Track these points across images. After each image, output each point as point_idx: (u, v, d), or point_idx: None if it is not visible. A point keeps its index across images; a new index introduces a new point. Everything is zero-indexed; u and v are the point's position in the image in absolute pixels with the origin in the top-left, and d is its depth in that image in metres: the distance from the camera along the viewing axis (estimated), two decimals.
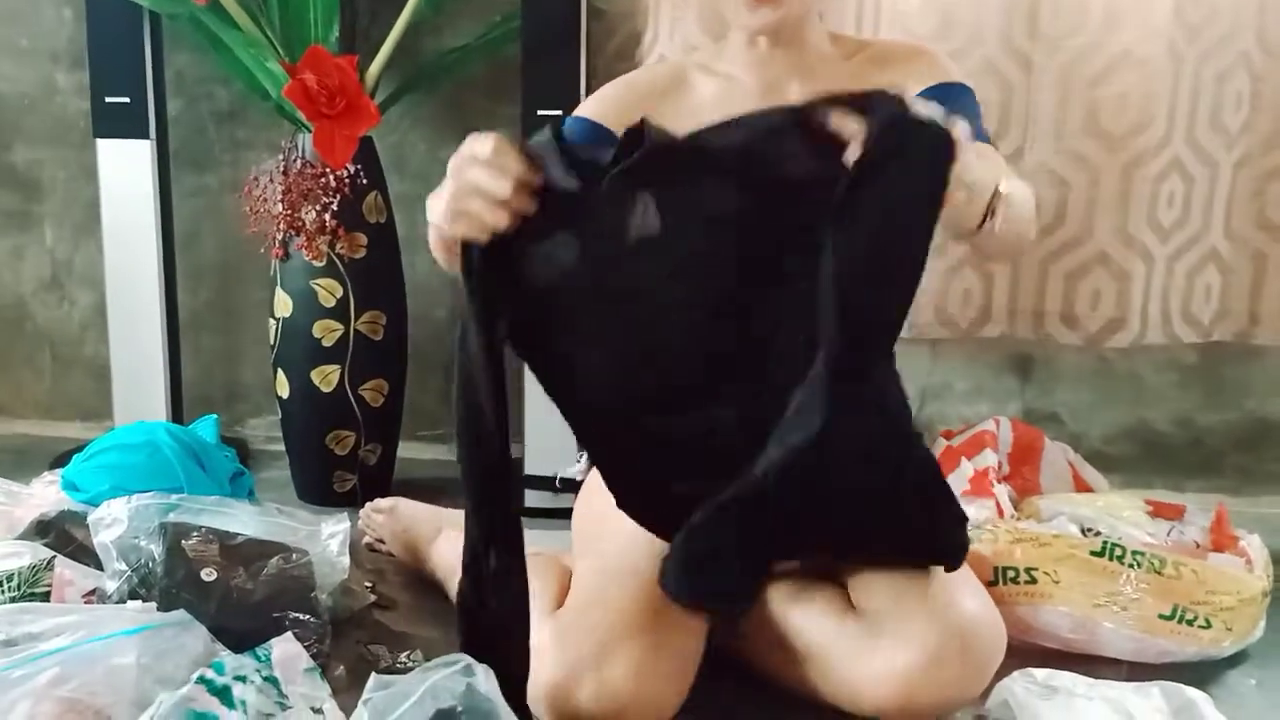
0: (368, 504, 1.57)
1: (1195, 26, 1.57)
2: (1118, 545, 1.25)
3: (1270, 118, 1.62)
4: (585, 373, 1.02)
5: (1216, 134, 1.61)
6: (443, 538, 1.43)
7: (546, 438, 1.77)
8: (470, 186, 0.91)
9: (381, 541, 1.55)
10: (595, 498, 1.20)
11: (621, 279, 0.97)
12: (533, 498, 1.79)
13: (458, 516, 1.47)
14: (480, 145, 0.92)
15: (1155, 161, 1.59)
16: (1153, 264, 1.63)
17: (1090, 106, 1.61)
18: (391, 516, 1.52)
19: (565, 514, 1.34)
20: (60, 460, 1.89)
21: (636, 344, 0.99)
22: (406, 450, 1.91)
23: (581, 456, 1.31)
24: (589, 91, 1.69)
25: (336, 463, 1.77)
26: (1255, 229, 1.65)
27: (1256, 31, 1.60)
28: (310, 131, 1.65)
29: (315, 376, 1.72)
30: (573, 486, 1.30)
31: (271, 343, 1.77)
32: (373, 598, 1.37)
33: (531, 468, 1.80)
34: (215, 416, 1.50)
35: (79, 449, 1.94)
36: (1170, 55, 1.56)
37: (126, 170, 1.86)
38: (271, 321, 1.77)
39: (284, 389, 1.77)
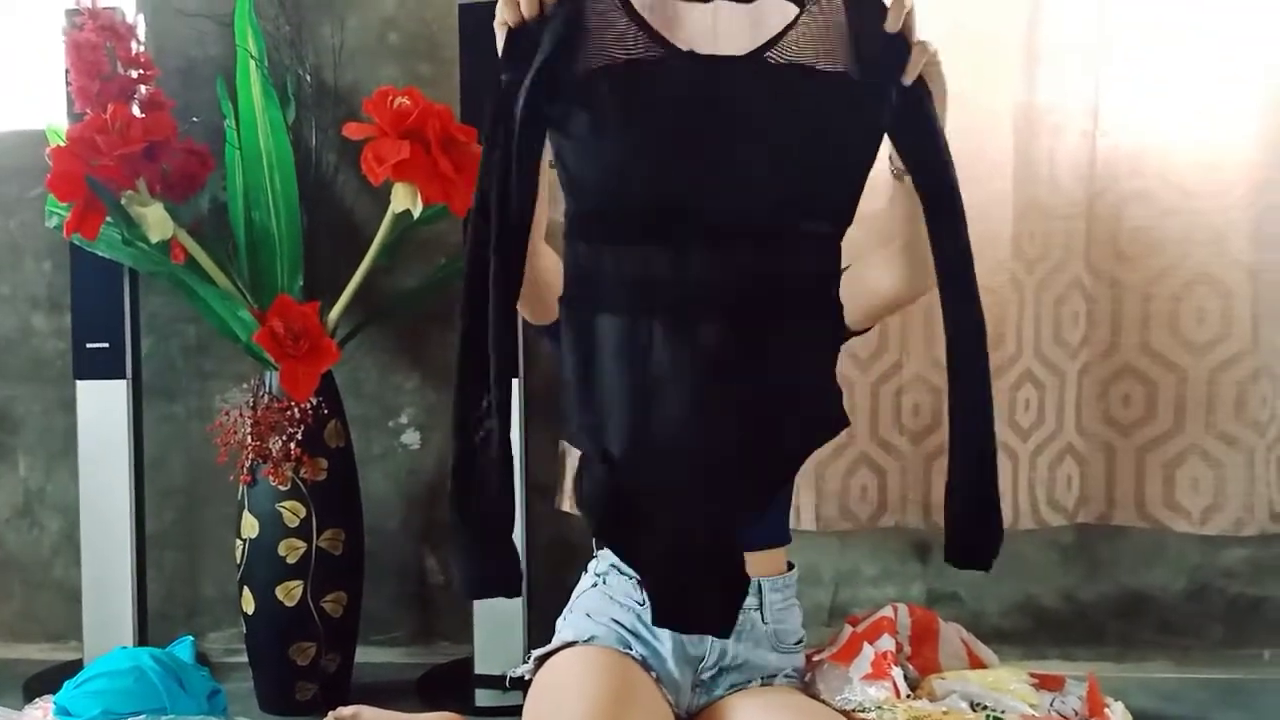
0: (331, 713, 1.67)
1: (1032, 260, 1.87)
2: (999, 718, 1.43)
3: (1105, 331, 1.91)
4: (595, 156, 1.10)
5: (1060, 348, 1.89)
6: None
7: (496, 639, 1.92)
8: None
9: None
10: (543, 697, 1.35)
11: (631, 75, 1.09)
12: (483, 697, 1.92)
13: None
14: None
15: (1010, 373, 1.86)
16: (1018, 460, 1.87)
17: None
18: None
19: (515, 711, 1.45)
20: (32, 683, 1.99)
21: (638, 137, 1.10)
22: (362, 655, 2.02)
23: (529, 657, 1.45)
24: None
25: (298, 673, 1.88)
26: (1103, 425, 1.92)
27: (1085, 260, 1.90)
28: (277, 369, 1.85)
29: (280, 592, 1.86)
30: (522, 686, 1.44)
31: (238, 562, 1.91)
32: None
33: (481, 667, 1.93)
34: (191, 638, 1.62)
35: (47, 671, 2.04)
36: (1013, 285, 1.86)
37: (103, 407, 2.03)
38: (238, 542, 1.91)
39: (249, 605, 1.90)
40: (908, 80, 1.11)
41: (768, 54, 1.11)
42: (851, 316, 1.26)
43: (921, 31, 1.13)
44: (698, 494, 1.14)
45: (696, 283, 1.11)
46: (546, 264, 1.24)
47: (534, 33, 1.09)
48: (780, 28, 1.10)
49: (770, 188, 1.12)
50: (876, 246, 1.29)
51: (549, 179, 1.17)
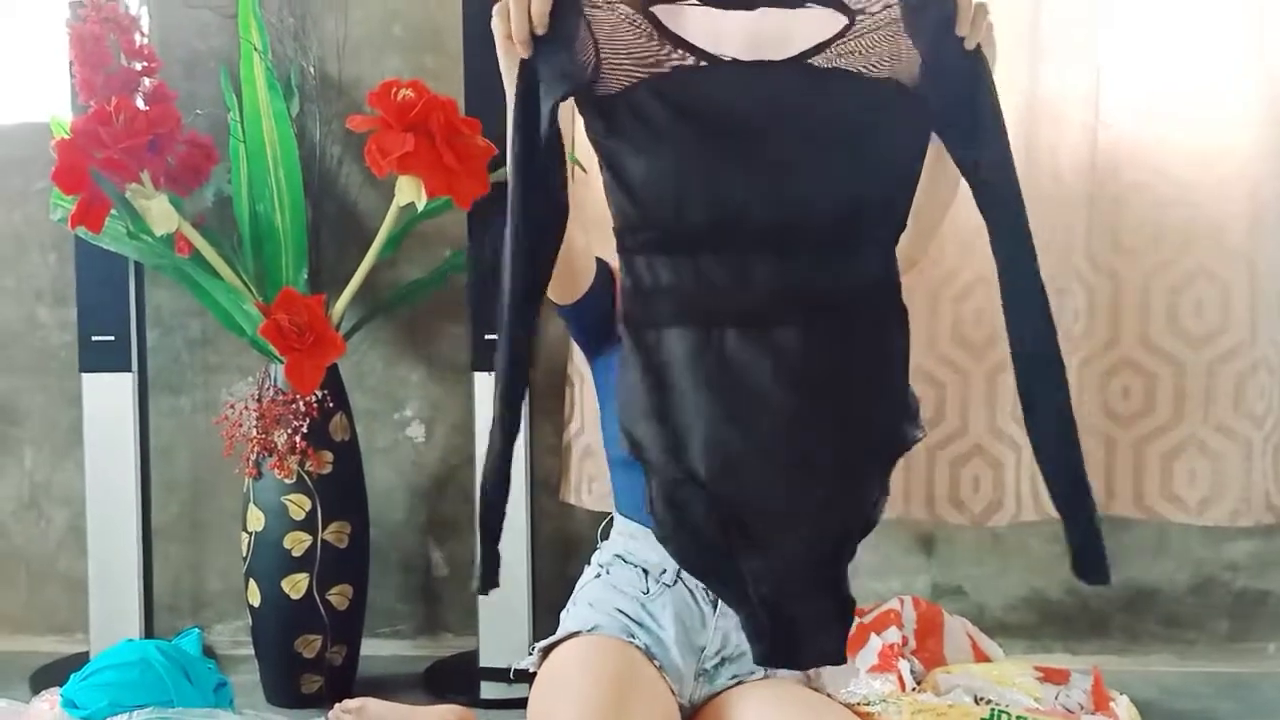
0: (337, 705, 1.67)
1: None
2: (1004, 712, 1.44)
3: (1105, 323, 1.92)
4: (649, 168, 1.07)
5: (1061, 340, 1.88)
6: None
7: (501, 632, 1.93)
8: None
9: None
10: (547, 688, 1.35)
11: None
12: (488, 689, 1.93)
13: (424, 713, 1.61)
14: None
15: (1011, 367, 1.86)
16: (1020, 452, 1.88)
17: (955, 320, 1.89)
18: (360, 716, 1.64)
19: (521, 704, 1.46)
20: (38, 675, 2.00)
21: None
22: (367, 648, 2.03)
23: (534, 649, 1.45)
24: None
25: (304, 665, 1.89)
26: (1103, 417, 1.92)
27: (1085, 251, 1.91)
28: (282, 362, 1.85)
29: (286, 585, 1.87)
30: (527, 678, 1.44)
31: (244, 555, 1.92)
32: None
33: (487, 660, 1.94)
34: (198, 630, 1.63)
35: (53, 663, 2.05)
36: None
37: (109, 400, 2.03)
38: (244, 535, 1.92)
39: (255, 598, 1.90)
40: (965, 37, 1.07)
41: (812, 59, 1.08)
42: None
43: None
44: (796, 511, 1.10)
45: (761, 290, 1.08)
46: (578, 245, 1.21)
47: (548, 53, 1.05)
48: (822, 37, 1.07)
49: (823, 192, 1.09)
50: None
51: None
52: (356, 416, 2.01)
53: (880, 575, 2.11)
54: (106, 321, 2.03)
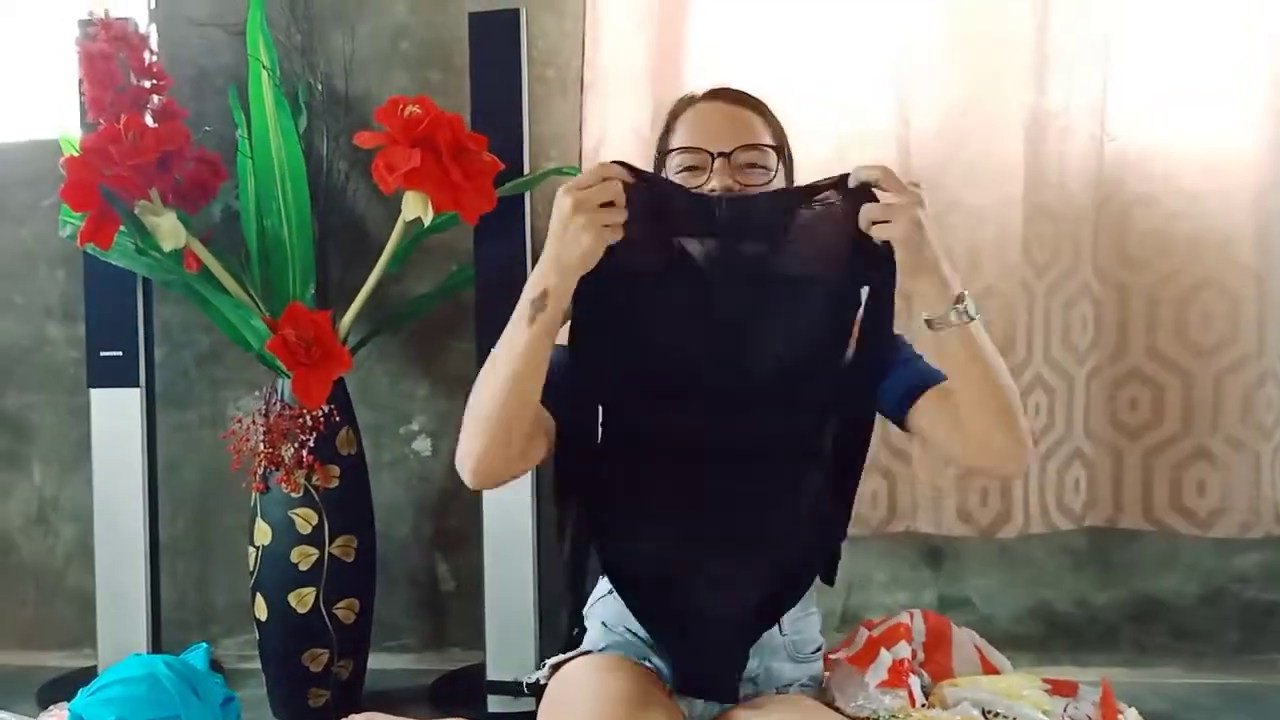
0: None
1: (1041, 265, 1.88)
2: None
3: (1112, 335, 1.91)
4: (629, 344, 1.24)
5: (1069, 352, 1.89)
6: None
7: (508, 646, 1.92)
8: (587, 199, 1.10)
9: None
10: (557, 704, 1.35)
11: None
12: (495, 703, 1.92)
13: None
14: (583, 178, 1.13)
15: (1021, 378, 1.85)
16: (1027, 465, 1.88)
17: None
18: None
19: (528, 718, 1.45)
20: (46, 690, 2.00)
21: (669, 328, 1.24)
22: (374, 661, 2.03)
23: (544, 664, 1.45)
24: None
25: (311, 680, 1.89)
26: (1110, 429, 1.92)
27: (1093, 265, 1.91)
28: (289, 377, 1.86)
29: (292, 599, 1.87)
30: (536, 691, 1.44)
31: (251, 569, 1.92)
32: None
33: (493, 673, 1.94)
34: (206, 645, 1.63)
35: (61, 678, 2.05)
36: (1023, 290, 1.86)
37: (117, 415, 2.04)
38: (251, 549, 1.92)
39: (262, 612, 1.90)
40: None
41: (769, 257, 1.21)
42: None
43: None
44: (729, 593, 1.30)
45: (702, 434, 1.29)
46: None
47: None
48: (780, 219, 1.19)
49: (758, 363, 1.26)
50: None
51: None
52: (363, 430, 2.01)
53: (888, 588, 2.11)
54: (115, 337, 2.04)
